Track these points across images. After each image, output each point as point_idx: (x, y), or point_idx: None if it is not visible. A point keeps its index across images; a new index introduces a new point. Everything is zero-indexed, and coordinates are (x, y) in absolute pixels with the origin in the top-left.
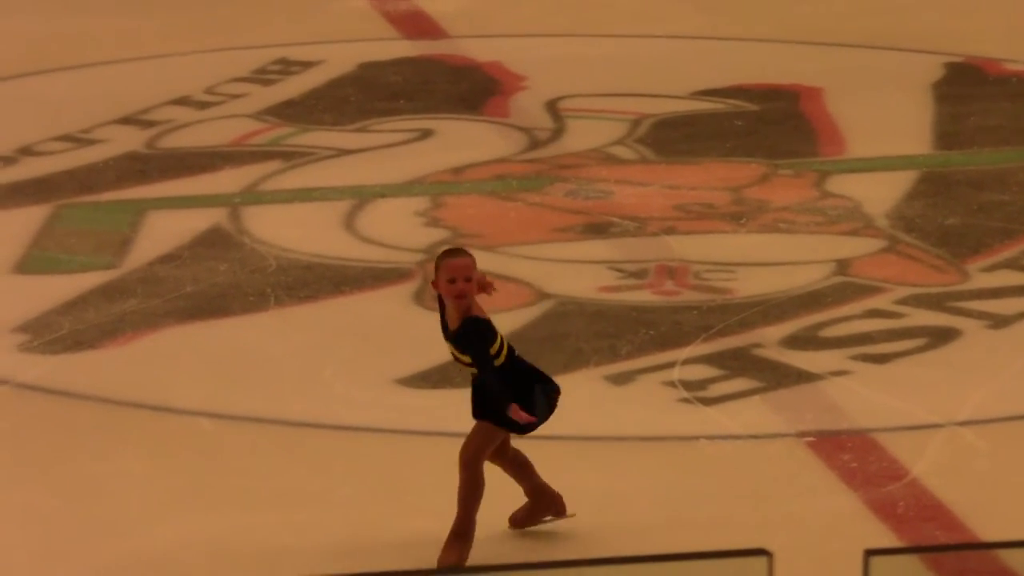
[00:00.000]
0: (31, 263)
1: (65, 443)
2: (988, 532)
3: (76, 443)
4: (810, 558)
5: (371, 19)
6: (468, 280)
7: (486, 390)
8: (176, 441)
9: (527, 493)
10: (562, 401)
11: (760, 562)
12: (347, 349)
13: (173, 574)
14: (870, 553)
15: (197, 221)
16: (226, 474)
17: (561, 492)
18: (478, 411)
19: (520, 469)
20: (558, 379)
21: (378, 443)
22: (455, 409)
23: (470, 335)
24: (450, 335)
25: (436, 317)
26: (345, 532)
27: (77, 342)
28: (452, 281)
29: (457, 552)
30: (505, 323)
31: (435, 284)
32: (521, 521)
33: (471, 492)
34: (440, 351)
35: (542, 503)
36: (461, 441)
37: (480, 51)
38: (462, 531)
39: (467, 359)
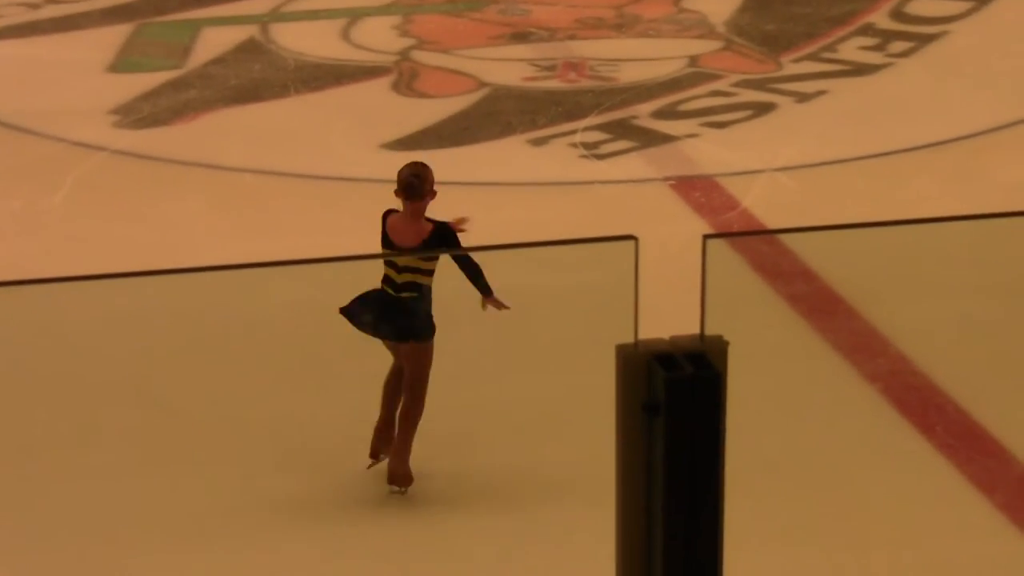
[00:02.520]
0: (120, 65)
1: (147, 191)
2: (796, 243)
3: (155, 191)
4: (667, 247)
5: None
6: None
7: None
8: (227, 190)
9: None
10: (495, 158)
11: (628, 245)
12: (346, 124)
13: (228, 274)
14: (707, 237)
15: (238, 34)
16: (262, 211)
17: (494, 225)
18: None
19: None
20: (493, 144)
21: (369, 190)
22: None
23: (451, 236)
24: (421, 246)
25: (407, 103)
26: (346, 246)
27: (155, 120)
28: (434, 195)
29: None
30: (454, 106)
31: (412, 196)
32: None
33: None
34: (413, 122)
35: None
36: None
37: None
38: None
39: (432, 266)
